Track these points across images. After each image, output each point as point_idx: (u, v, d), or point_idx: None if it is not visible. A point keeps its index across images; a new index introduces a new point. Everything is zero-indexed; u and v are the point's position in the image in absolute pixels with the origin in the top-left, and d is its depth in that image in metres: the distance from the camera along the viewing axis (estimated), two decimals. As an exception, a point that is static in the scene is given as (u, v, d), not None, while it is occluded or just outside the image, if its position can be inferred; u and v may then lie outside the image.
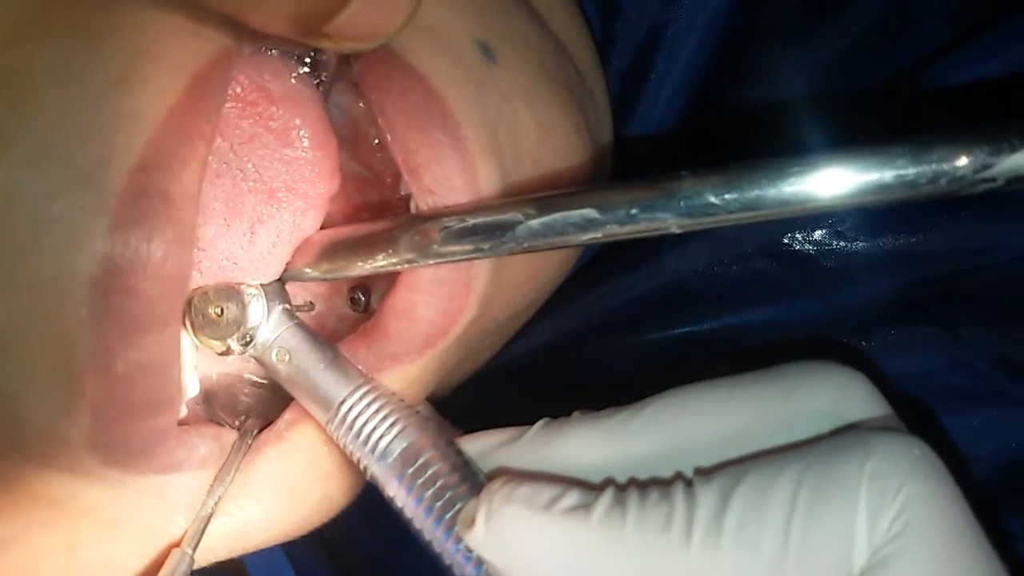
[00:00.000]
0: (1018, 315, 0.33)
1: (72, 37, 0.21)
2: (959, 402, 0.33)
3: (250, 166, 0.26)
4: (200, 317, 0.26)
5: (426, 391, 0.29)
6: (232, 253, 0.26)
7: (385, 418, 0.26)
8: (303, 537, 0.30)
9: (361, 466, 0.26)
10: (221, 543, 0.27)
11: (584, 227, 0.22)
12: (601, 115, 0.36)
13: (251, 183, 0.26)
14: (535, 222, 0.23)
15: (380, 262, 0.25)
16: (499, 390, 0.39)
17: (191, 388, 0.26)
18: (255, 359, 0.27)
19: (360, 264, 0.25)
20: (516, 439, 0.27)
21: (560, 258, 0.33)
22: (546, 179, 0.29)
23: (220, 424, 0.28)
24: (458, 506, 0.26)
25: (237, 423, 0.28)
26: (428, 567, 0.27)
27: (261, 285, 0.27)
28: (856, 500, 0.22)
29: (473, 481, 0.26)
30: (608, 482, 0.25)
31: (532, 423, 0.27)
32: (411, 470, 0.26)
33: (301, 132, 0.26)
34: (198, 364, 0.27)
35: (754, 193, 0.21)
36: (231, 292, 0.26)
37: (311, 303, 0.30)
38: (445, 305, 0.26)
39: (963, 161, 0.20)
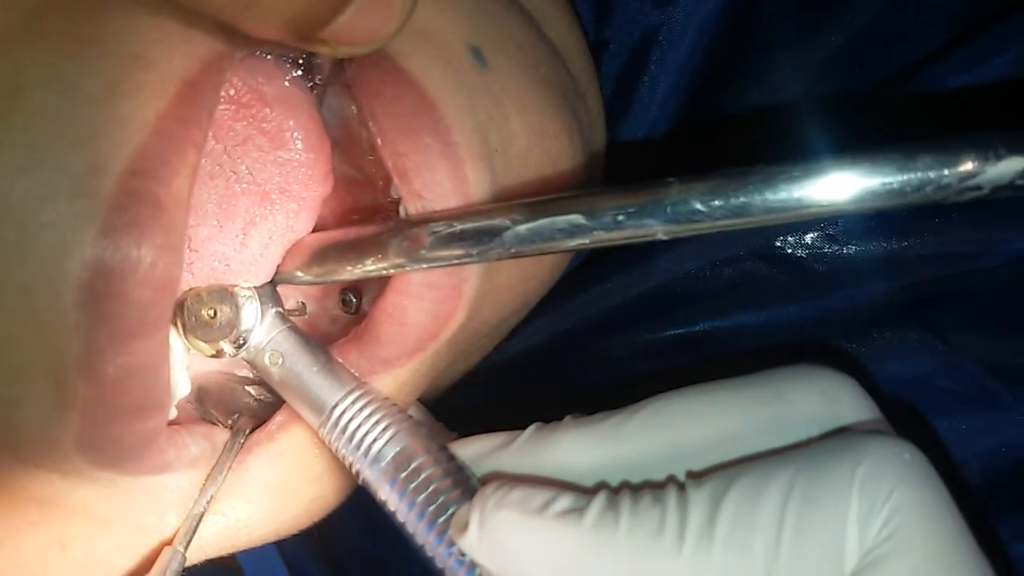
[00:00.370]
0: (1008, 319, 0.33)
1: (64, 43, 0.21)
2: (949, 406, 0.33)
3: (244, 168, 0.26)
4: (192, 319, 0.26)
5: (417, 393, 0.29)
6: (224, 254, 0.26)
7: (378, 423, 0.26)
8: (296, 535, 0.30)
9: (353, 470, 0.27)
10: (212, 541, 0.28)
11: (571, 233, 0.22)
12: (594, 118, 0.36)
13: (244, 185, 0.26)
14: (523, 228, 0.23)
15: (370, 266, 0.25)
16: (492, 391, 0.39)
17: (182, 389, 0.26)
18: (247, 362, 0.28)
19: (350, 268, 0.25)
20: (509, 443, 0.27)
21: (551, 261, 0.34)
22: (538, 183, 0.29)
23: (212, 423, 0.28)
24: (451, 510, 0.26)
25: (230, 422, 0.28)
26: (421, 568, 0.27)
27: (254, 287, 0.27)
28: (847, 504, 0.22)
29: (466, 486, 0.26)
30: (601, 486, 0.25)
31: (525, 427, 0.27)
32: (404, 474, 0.26)
33: (294, 134, 0.26)
34: (190, 362, 0.27)
35: (740, 200, 0.21)
36: (225, 294, 0.26)
37: (304, 305, 0.30)
38: (435, 309, 0.26)
39: (949, 170, 0.20)
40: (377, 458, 0.26)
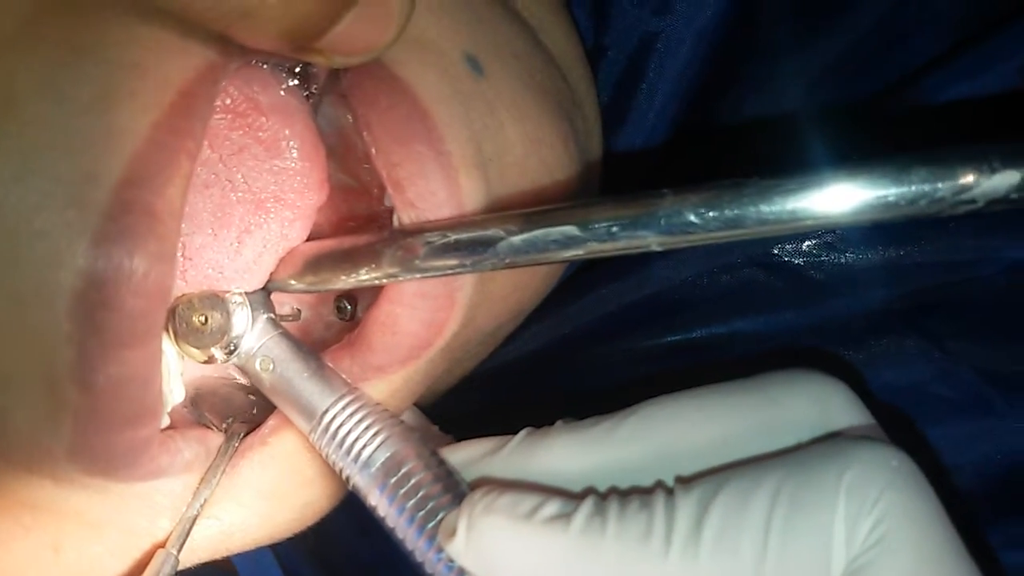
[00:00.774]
0: (1004, 327, 0.33)
1: (58, 51, 0.21)
2: (944, 413, 0.33)
3: (239, 177, 0.26)
4: (184, 325, 0.26)
5: (411, 400, 0.29)
6: (218, 262, 0.26)
7: (368, 428, 0.26)
8: (290, 538, 0.30)
9: (343, 476, 0.27)
10: (205, 545, 0.28)
11: (565, 244, 0.22)
12: (590, 127, 0.36)
13: (240, 194, 0.26)
14: (517, 239, 0.23)
15: (363, 276, 0.25)
16: (488, 397, 0.39)
17: (175, 395, 0.26)
18: (239, 368, 0.28)
19: (344, 277, 0.25)
20: (499, 448, 0.27)
21: (546, 271, 0.34)
22: (533, 191, 0.29)
23: (206, 426, 0.28)
24: (440, 516, 0.26)
25: (224, 425, 0.28)
26: (412, 573, 0.27)
27: (246, 294, 0.27)
28: (834, 509, 0.22)
29: (456, 491, 0.26)
30: (590, 491, 0.25)
31: (516, 432, 0.27)
32: (393, 480, 0.26)
33: (290, 143, 0.26)
34: (186, 367, 0.27)
35: (734, 212, 0.21)
36: (216, 300, 0.26)
37: (298, 311, 0.30)
38: (429, 318, 0.26)
39: (943, 183, 0.20)
40: (367, 464, 0.26)
